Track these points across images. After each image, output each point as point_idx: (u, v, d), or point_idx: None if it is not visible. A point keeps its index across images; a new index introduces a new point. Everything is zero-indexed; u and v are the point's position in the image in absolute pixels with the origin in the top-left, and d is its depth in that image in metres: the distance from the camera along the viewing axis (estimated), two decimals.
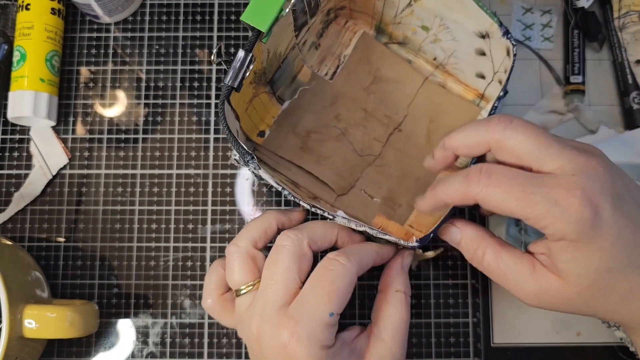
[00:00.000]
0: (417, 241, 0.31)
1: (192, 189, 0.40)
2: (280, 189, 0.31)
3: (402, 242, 0.31)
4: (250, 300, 0.30)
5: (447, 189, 0.29)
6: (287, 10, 0.32)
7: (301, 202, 0.31)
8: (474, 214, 0.40)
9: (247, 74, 0.32)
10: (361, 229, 0.30)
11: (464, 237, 0.31)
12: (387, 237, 0.30)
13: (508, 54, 0.33)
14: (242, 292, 0.31)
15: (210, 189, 0.40)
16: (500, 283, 0.29)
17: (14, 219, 0.40)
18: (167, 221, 0.39)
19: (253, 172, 0.32)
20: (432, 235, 0.31)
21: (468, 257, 0.31)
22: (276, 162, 0.39)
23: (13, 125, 0.41)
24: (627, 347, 0.37)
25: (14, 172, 0.40)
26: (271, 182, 0.30)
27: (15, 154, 0.40)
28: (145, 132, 0.41)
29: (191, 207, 0.40)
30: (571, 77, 0.41)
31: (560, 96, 0.41)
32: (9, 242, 0.36)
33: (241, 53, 0.31)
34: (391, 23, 0.39)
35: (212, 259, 0.39)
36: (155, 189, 0.40)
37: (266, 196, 0.40)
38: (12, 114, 0.39)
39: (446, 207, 0.31)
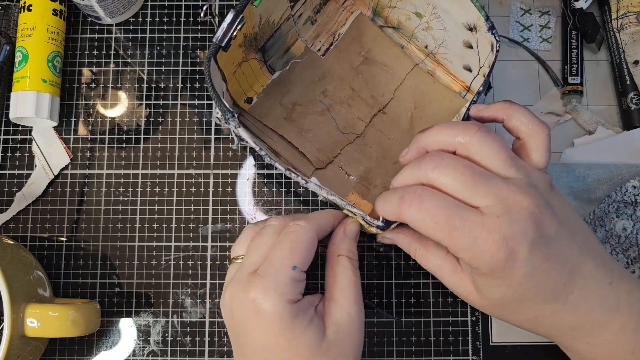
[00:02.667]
0: (382, 221, 0.32)
1: (193, 189, 0.40)
2: (257, 149, 0.32)
3: (368, 218, 0.32)
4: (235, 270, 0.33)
5: (384, 206, 0.31)
6: None
7: (277, 164, 0.32)
8: None
9: (235, 34, 0.32)
10: (331, 197, 0.31)
11: (399, 242, 0.35)
12: (355, 210, 0.32)
13: (492, 49, 0.33)
14: (236, 261, 0.33)
15: (211, 189, 0.40)
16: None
17: (16, 218, 0.40)
18: (168, 221, 0.40)
19: (233, 132, 0.32)
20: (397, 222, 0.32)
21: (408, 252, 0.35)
22: (259, 130, 0.40)
23: (15, 125, 0.41)
24: None
25: (16, 172, 0.40)
26: (250, 141, 0.31)
27: (18, 154, 0.41)
28: (146, 132, 0.41)
29: (192, 207, 0.40)
30: (569, 77, 0.41)
31: (557, 98, 0.41)
32: (11, 242, 0.36)
33: (231, 13, 0.32)
34: (387, 6, 0.40)
35: (213, 259, 0.39)
36: (157, 189, 0.40)
37: (267, 196, 0.40)
38: (14, 114, 0.39)
39: None
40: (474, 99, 0.33)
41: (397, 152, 0.39)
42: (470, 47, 0.36)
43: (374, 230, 0.34)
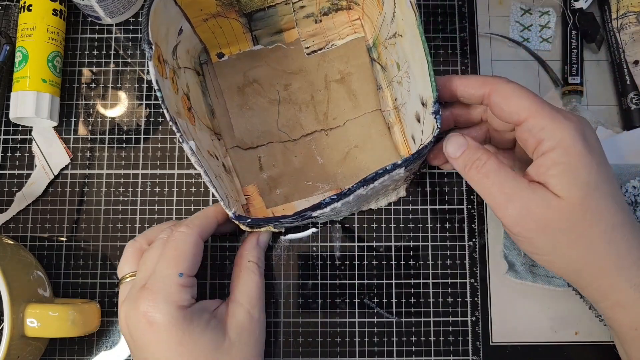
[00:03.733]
0: (233, 214, 0.31)
1: (193, 189, 0.40)
2: (156, 88, 0.31)
3: (225, 207, 0.31)
4: (127, 290, 0.33)
5: (474, 82, 0.32)
6: None
7: (165, 111, 0.31)
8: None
9: None
10: (199, 169, 0.30)
11: (471, 145, 0.32)
12: (217, 195, 0.31)
13: (432, 131, 0.31)
14: (126, 280, 0.33)
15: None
16: (488, 198, 0.31)
17: (16, 218, 0.40)
18: (168, 221, 0.40)
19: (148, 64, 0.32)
20: (253, 223, 0.32)
21: (465, 167, 0.32)
22: (210, 86, 0.41)
23: (15, 125, 0.41)
24: None
25: (16, 172, 0.40)
26: (153, 79, 0.31)
27: (18, 154, 0.41)
28: (146, 132, 0.41)
29: (192, 207, 0.40)
30: (569, 78, 0.41)
31: (556, 98, 0.41)
32: (11, 242, 0.36)
33: None
34: (381, 44, 0.39)
35: (213, 258, 0.39)
36: (157, 189, 0.40)
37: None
38: (14, 114, 0.39)
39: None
40: (387, 167, 0.31)
41: (316, 175, 0.39)
42: (419, 120, 0.35)
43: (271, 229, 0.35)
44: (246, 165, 0.40)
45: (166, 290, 0.30)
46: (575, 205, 0.29)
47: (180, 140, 0.30)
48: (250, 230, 0.35)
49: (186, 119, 0.35)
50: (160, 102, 0.30)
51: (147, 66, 0.31)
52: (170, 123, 0.31)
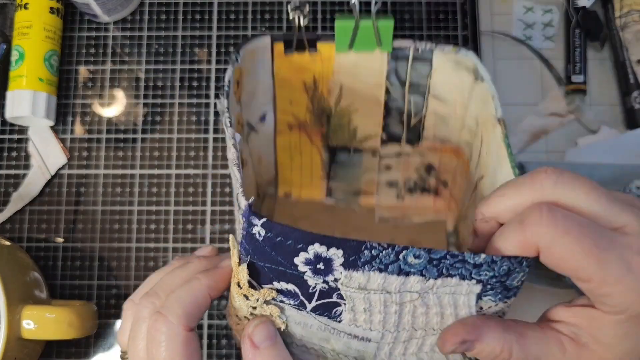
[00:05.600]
0: (249, 212, 0.22)
1: (191, 189, 0.40)
2: (233, 153, 0.25)
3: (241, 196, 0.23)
4: None
5: (503, 240, 0.23)
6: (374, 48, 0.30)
7: (237, 177, 0.24)
8: None
9: (301, 45, 0.30)
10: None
11: (487, 341, 0.23)
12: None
13: None
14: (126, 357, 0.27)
15: (209, 189, 0.40)
16: None
17: (13, 219, 0.39)
18: (166, 221, 0.39)
19: (224, 125, 0.27)
20: (277, 230, 0.21)
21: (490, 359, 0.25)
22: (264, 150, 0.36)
23: (11, 125, 0.41)
24: None
25: (13, 172, 0.40)
26: (228, 142, 0.26)
27: (14, 154, 0.40)
28: (144, 131, 0.41)
29: (190, 208, 0.39)
30: (572, 76, 0.41)
31: (560, 98, 0.41)
32: (8, 243, 0.36)
33: (312, 35, 0.30)
34: (463, 223, 0.34)
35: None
36: (154, 189, 0.40)
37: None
38: (10, 113, 0.39)
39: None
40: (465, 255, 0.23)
41: None
42: None
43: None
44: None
45: None
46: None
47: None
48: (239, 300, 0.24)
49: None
50: (239, 189, 0.24)
51: (227, 130, 0.26)
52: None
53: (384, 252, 0.21)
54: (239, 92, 0.30)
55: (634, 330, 0.22)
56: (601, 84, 0.41)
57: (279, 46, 0.31)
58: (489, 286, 0.22)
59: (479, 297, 0.22)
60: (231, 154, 0.25)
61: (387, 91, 0.33)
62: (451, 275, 0.21)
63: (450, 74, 0.31)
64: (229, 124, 0.26)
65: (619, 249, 0.21)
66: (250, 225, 0.21)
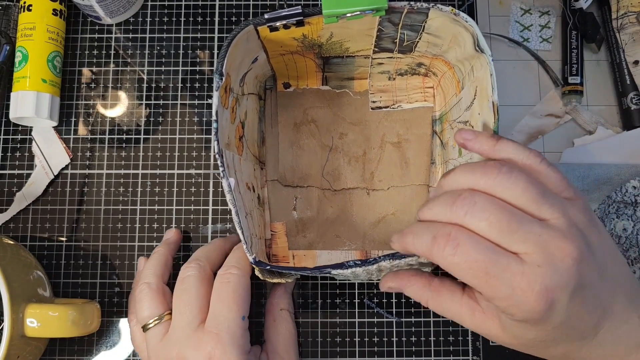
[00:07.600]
0: (253, 259, 0.31)
1: (193, 189, 0.40)
2: (214, 118, 0.30)
3: (246, 251, 0.31)
4: (161, 331, 0.32)
5: (414, 241, 0.28)
6: (360, 14, 0.32)
7: (216, 143, 0.30)
8: None
9: (290, 26, 0.32)
10: (232, 207, 0.30)
11: (406, 291, 0.32)
12: (242, 238, 0.31)
13: None
14: (150, 325, 0.32)
15: (211, 189, 0.40)
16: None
17: (16, 218, 0.40)
18: (168, 221, 0.40)
19: (219, 176, 0.33)
20: (273, 269, 0.31)
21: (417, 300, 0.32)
22: (268, 113, 0.40)
23: (15, 125, 0.41)
24: None
25: (16, 172, 0.40)
26: (214, 108, 0.30)
27: (17, 154, 0.41)
28: (146, 132, 0.41)
29: (192, 207, 0.40)
30: (569, 78, 0.41)
31: (556, 99, 0.41)
32: (11, 242, 0.36)
33: (296, 9, 0.32)
34: (448, 122, 0.38)
35: None
36: (157, 189, 0.40)
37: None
38: (14, 114, 0.39)
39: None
40: None
41: (347, 231, 0.39)
42: None
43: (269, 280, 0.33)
44: (281, 201, 0.39)
45: (232, 334, 0.30)
46: (517, 345, 0.29)
47: (221, 175, 0.30)
48: (262, 277, 0.32)
49: (235, 149, 0.34)
50: (213, 133, 0.30)
51: (213, 95, 0.30)
52: (217, 156, 0.30)
53: (360, 265, 0.30)
54: (229, 67, 0.32)
55: (522, 326, 0.27)
56: (598, 85, 0.42)
57: (264, 28, 0.33)
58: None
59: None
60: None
61: (380, 30, 0.34)
62: (377, 262, 0.30)
63: (448, 25, 0.32)
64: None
65: (509, 274, 0.25)
66: (259, 265, 0.31)
